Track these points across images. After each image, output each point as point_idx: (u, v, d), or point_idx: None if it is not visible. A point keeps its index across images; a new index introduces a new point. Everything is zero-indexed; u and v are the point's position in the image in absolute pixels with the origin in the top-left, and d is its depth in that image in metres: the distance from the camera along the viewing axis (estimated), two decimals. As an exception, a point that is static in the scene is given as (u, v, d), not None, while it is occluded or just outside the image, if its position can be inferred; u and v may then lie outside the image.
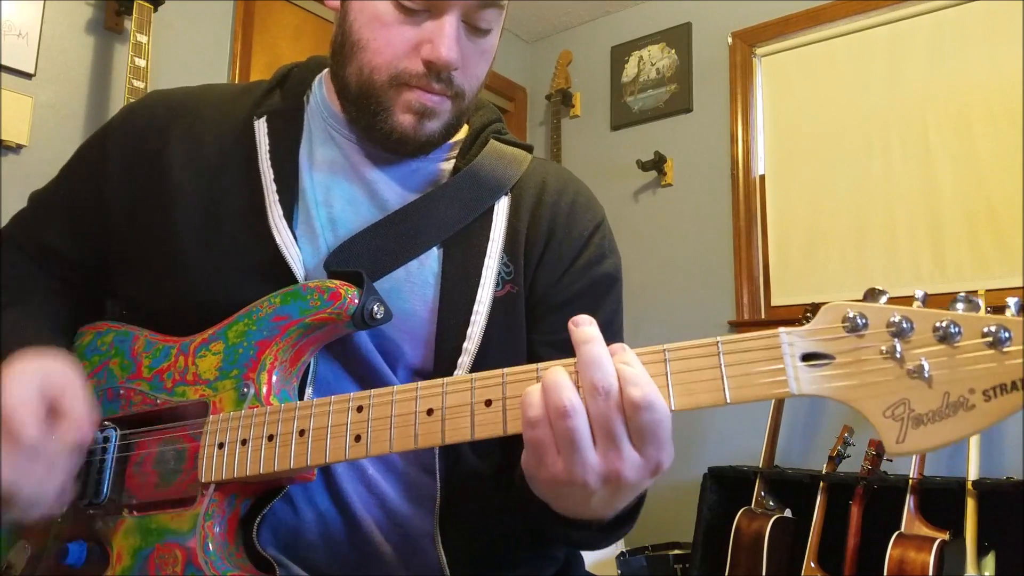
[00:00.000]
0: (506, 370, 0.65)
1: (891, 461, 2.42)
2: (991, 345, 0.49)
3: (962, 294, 0.50)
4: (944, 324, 0.50)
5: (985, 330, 0.49)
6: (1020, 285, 2.58)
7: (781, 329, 0.57)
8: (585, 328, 0.60)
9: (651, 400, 0.57)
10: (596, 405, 0.58)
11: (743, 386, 0.57)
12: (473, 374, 0.66)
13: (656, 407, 0.57)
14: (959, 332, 0.50)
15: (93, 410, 0.77)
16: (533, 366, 0.64)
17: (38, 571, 0.81)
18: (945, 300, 0.51)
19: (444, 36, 0.78)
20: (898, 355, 0.52)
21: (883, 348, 0.53)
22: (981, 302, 0.49)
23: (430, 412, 0.67)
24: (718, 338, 0.59)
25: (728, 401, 0.57)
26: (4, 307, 0.89)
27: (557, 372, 0.60)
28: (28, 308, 0.89)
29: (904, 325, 0.51)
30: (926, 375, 0.51)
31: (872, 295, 0.53)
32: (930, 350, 0.51)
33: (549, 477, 0.61)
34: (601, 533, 0.74)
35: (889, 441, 0.52)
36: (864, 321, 0.53)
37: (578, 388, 0.59)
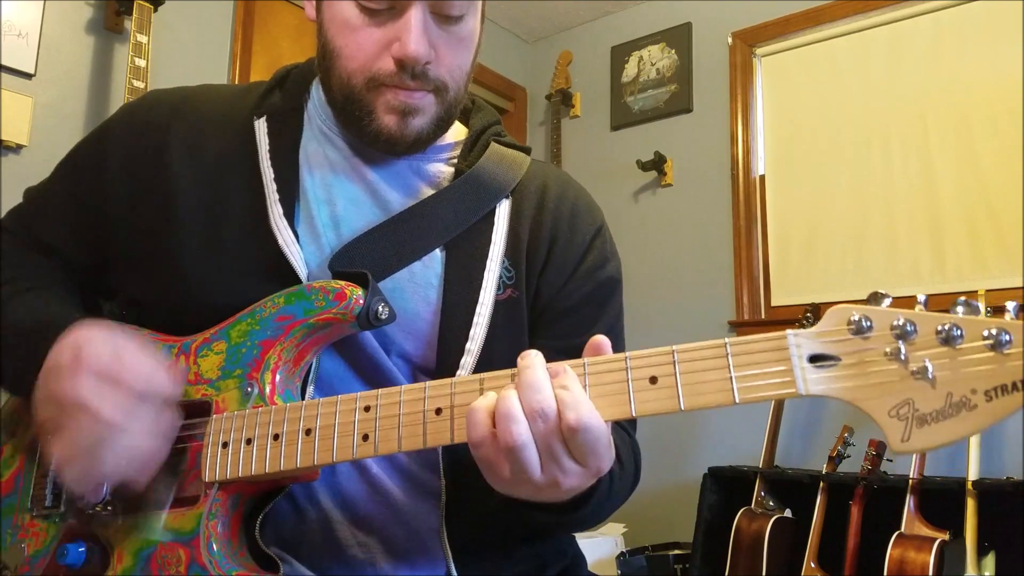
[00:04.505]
0: (513, 371, 0.66)
1: (891, 461, 2.42)
2: (992, 347, 0.50)
3: (962, 298, 0.51)
4: (947, 327, 0.51)
5: (986, 333, 0.50)
6: (1020, 285, 2.58)
7: (789, 331, 0.57)
8: (530, 357, 0.64)
9: (585, 423, 0.61)
10: (536, 427, 0.62)
11: (752, 387, 0.58)
12: (482, 374, 0.67)
13: (590, 428, 0.61)
14: (961, 335, 0.51)
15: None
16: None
17: (35, 572, 0.80)
18: (945, 300, 0.52)
19: (409, 31, 0.78)
20: (902, 357, 0.53)
21: (887, 350, 0.53)
22: (981, 305, 0.51)
23: (439, 411, 0.67)
24: (726, 339, 0.60)
25: (737, 401, 0.58)
26: (28, 290, 0.88)
27: (510, 402, 0.62)
28: (55, 289, 0.89)
29: (908, 328, 0.52)
30: (930, 376, 0.52)
31: (875, 298, 0.54)
32: (933, 352, 0.52)
33: (498, 481, 0.66)
34: (564, 515, 0.75)
35: (894, 440, 0.52)
36: (869, 324, 0.54)
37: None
